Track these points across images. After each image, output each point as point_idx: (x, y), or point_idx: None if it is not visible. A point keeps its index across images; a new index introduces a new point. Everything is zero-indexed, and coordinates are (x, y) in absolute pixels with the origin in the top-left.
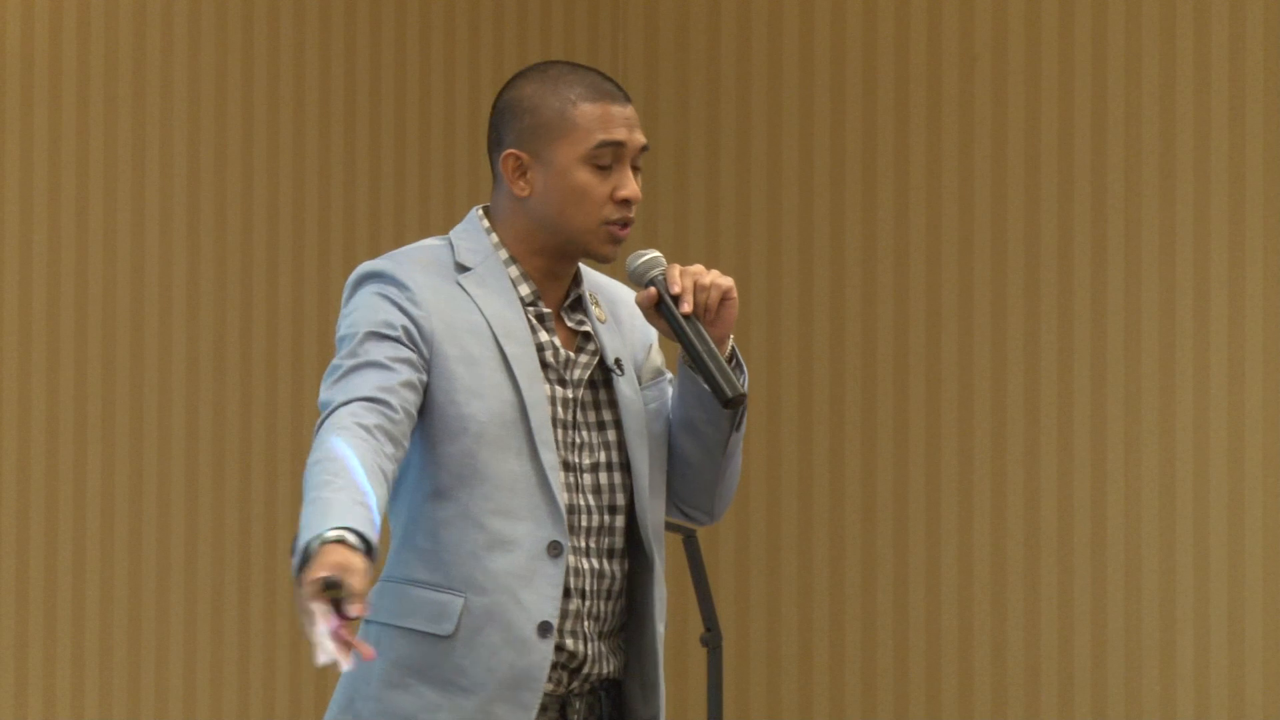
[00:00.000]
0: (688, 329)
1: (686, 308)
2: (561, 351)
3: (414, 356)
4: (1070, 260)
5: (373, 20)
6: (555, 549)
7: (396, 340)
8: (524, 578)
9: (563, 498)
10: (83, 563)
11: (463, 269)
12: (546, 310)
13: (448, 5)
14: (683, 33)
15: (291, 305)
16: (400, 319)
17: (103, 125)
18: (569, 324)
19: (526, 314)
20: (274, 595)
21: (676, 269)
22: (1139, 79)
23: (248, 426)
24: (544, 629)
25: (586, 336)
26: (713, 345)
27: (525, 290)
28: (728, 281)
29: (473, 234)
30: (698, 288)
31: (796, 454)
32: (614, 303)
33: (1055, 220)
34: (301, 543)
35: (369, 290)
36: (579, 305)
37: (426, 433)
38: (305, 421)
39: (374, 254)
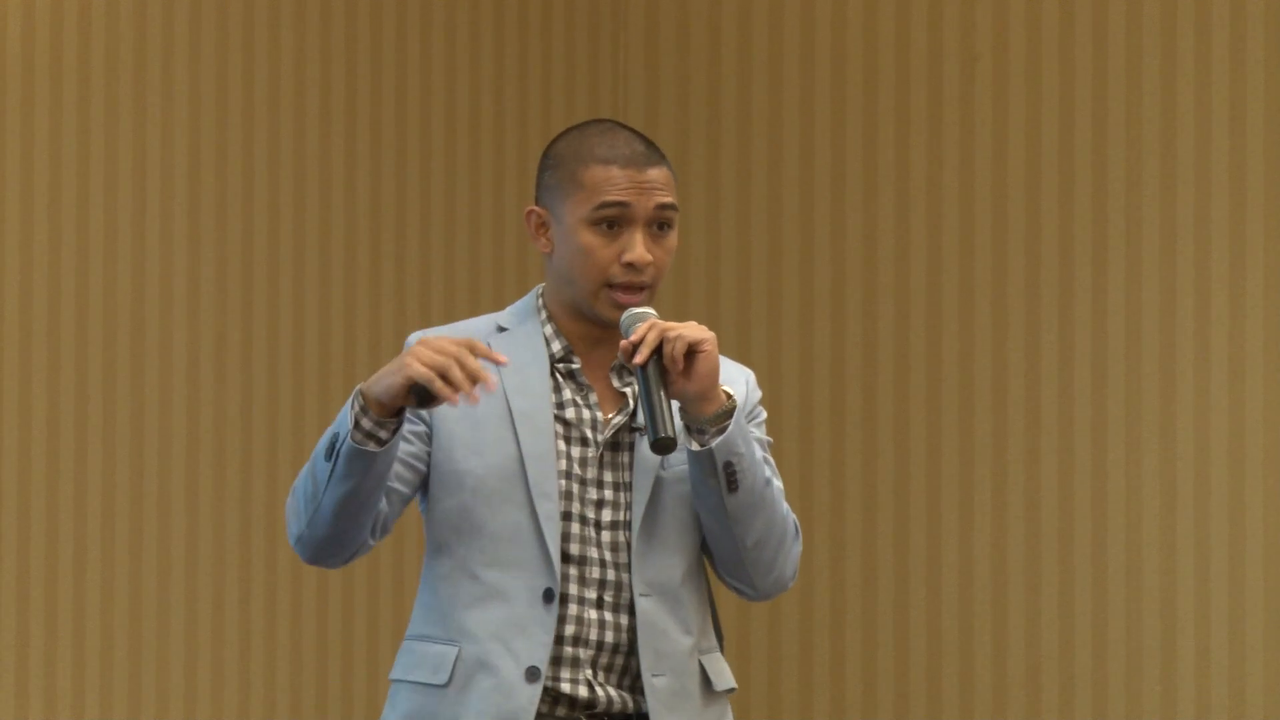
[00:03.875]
0: (636, 374)
1: (638, 359)
2: (586, 411)
3: (409, 423)
4: (1071, 260)
5: (373, 20)
6: (549, 596)
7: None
8: (518, 626)
9: (557, 547)
10: (83, 562)
11: (501, 330)
12: (576, 366)
13: (448, 5)
14: (683, 32)
15: (292, 305)
16: None
17: (103, 125)
18: (616, 385)
19: (554, 371)
20: (275, 595)
21: (648, 322)
22: (1139, 79)
23: (248, 426)
24: (532, 674)
25: (628, 399)
26: (655, 391)
27: (556, 347)
28: (697, 334)
29: (527, 298)
30: (664, 340)
31: (797, 454)
32: None
33: (1056, 220)
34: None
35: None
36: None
37: (430, 491)
38: (305, 421)
39: (374, 254)
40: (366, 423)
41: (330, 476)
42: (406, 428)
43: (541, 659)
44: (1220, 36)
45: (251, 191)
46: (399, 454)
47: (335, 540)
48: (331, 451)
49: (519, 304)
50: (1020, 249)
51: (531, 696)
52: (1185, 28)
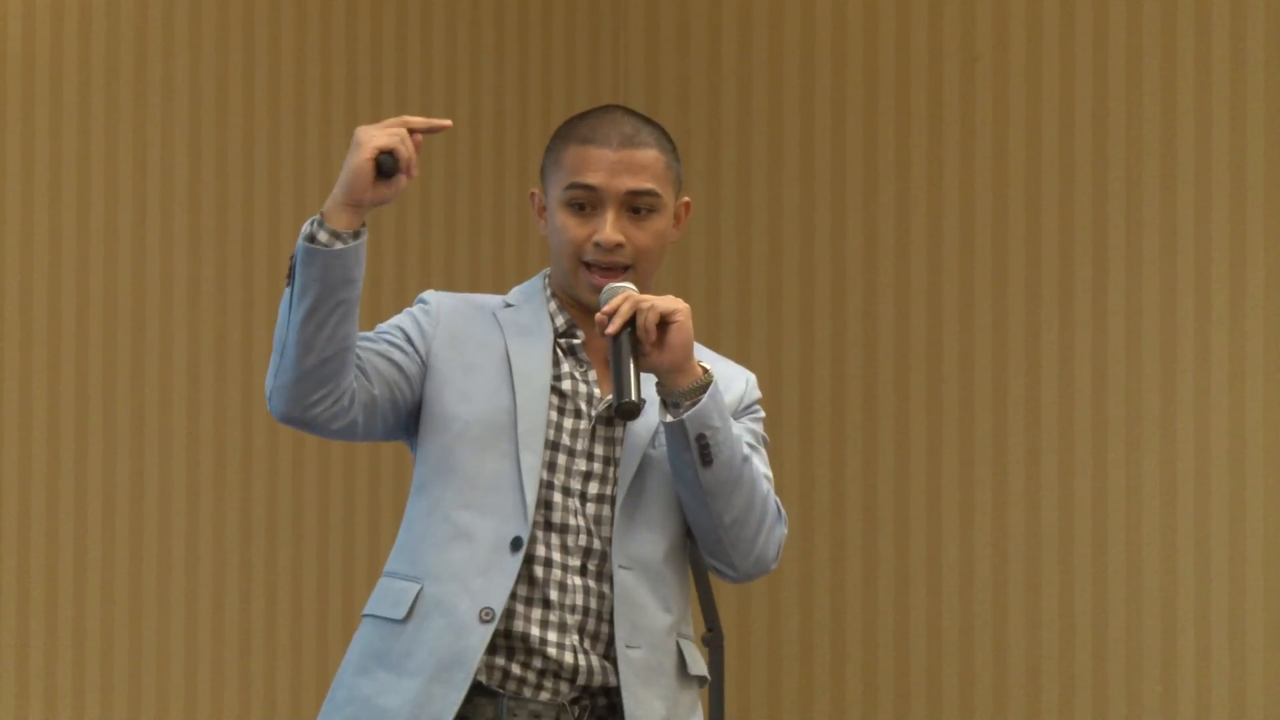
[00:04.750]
0: (609, 345)
1: (611, 329)
2: (583, 386)
3: (403, 344)
4: (1071, 260)
5: (374, 19)
6: (516, 544)
7: (390, 336)
8: (479, 568)
9: (534, 498)
10: (84, 562)
11: (508, 306)
12: (578, 341)
13: (448, 5)
14: (684, 31)
15: None
16: (407, 324)
17: (103, 125)
18: None
19: (556, 344)
20: (275, 594)
21: (623, 294)
22: (1139, 79)
23: (248, 426)
24: (486, 614)
25: None
26: (625, 359)
27: (560, 322)
28: (670, 305)
29: (534, 279)
30: (638, 311)
31: (797, 454)
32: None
33: (1056, 220)
34: (303, 234)
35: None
36: None
37: (419, 431)
38: None
39: (374, 254)
40: (323, 235)
41: (292, 298)
42: (403, 344)
43: (498, 601)
44: (1220, 36)
45: (251, 191)
46: (389, 356)
47: (305, 381)
48: (291, 274)
49: (526, 284)
50: (1020, 249)
51: (483, 637)
52: (1185, 28)
